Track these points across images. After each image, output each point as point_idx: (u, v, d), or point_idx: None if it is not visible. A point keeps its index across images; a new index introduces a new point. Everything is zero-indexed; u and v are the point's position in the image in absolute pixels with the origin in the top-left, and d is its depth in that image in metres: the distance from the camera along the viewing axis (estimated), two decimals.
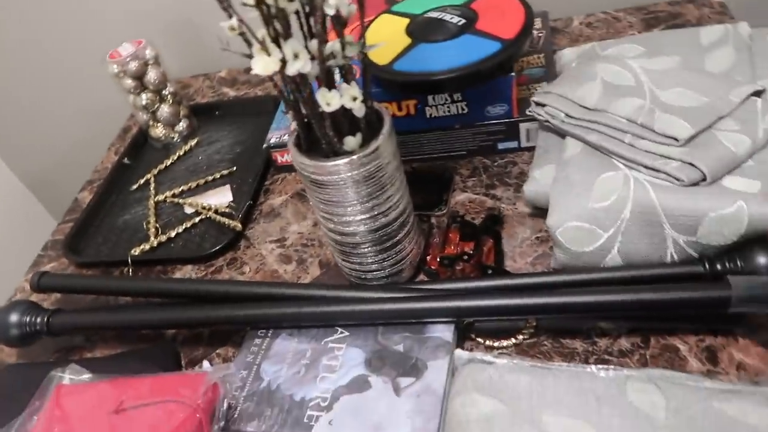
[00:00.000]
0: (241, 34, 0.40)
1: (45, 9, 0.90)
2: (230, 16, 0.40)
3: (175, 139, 0.78)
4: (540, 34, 0.69)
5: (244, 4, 0.37)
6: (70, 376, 0.49)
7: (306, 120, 0.45)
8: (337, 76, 0.43)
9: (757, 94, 0.52)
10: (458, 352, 0.45)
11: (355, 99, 0.41)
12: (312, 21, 0.40)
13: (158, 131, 0.77)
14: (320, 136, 0.43)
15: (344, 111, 0.42)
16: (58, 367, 0.49)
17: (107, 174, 0.75)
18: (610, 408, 0.37)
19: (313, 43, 0.39)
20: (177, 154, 0.76)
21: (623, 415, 0.37)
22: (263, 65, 0.37)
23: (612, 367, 0.41)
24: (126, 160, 0.77)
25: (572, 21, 0.78)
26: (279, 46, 0.38)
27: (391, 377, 0.44)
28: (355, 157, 0.43)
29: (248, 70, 0.88)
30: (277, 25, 0.38)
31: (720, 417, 0.35)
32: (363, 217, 0.47)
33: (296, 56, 0.37)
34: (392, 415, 0.42)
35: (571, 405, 0.38)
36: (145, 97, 0.74)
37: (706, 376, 0.41)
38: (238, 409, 0.45)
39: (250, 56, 0.40)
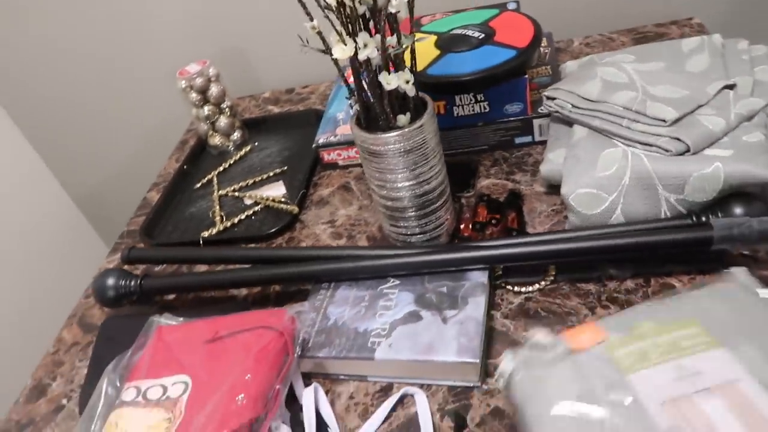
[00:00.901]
0: (319, 33, 0.52)
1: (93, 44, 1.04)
2: (311, 19, 0.51)
3: (230, 147, 0.89)
4: (546, 50, 0.81)
5: (327, 7, 0.49)
6: (166, 321, 0.58)
7: (365, 103, 0.56)
8: None
9: (729, 87, 0.63)
10: None
11: (407, 82, 0.52)
12: (371, 23, 0.52)
13: (216, 140, 0.88)
14: (379, 113, 0.54)
15: (397, 94, 0.54)
16: (155, 315, 0.59)
17: (171, 177, 0.86)
18: None
19: (376, 37, 0.50)
20: (233, 158, 0.87)
21: None
22: (341, 51, 0.48)
23: None
24: (185, 167, 0.88)
25: (573, 42, 0.91)
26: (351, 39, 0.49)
27: (438, 310, 0.54)
28: (406, 130, 0.54)
29: (289, 90, 1.01)
30: (349, 24, 0.50)
31: None
32: (410, 183, 0.57)
33: (365, 45, 0.49)
34: (441, 337, 0.51)
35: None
36: (207, 109, 0.86)
37: None
38: (310, 341, 0.54)
39: (324, 51, 0.52)
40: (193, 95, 0.84)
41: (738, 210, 0.54)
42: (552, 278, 0.58)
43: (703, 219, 0.55)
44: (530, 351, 0.45)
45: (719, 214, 0.54)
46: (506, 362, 0.45)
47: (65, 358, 0.66)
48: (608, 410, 0.40)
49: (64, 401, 0.62)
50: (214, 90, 0.85)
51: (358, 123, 0.57)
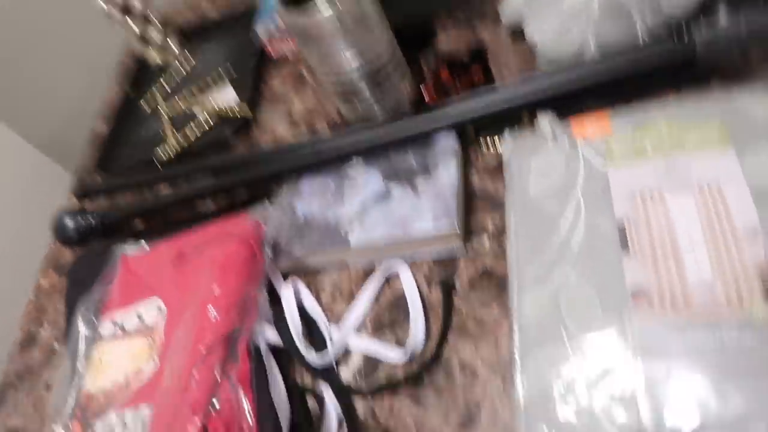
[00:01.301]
0: None
1: None
2: None
3: (169, 60, 0.82)
4: None
5: None
6: (129, 249, 0.55)
7: None
8: None
9: None
10: None
11: None
12: None
13: (153, 55, 0.81)
14: None
15: None
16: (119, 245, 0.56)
17: (117, 104, 0.80)
18: None
19: None
20: (175, 71, 0.80)
21: None
22: None
23: None
24: (127, 91, 0.82)
25: None
26: None
27: (409, 182, 0.50)
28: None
29: None
30: None
31: None
32: (358, 62, 0.51)
33: None
34: (416, 209, 0.48)
35: None
36: (133, 24, 0.78)
37: None
38: (283, 241, 0.51)
39: None
40: (117, 14, 0.76)
41: (723, 17, 0.48)
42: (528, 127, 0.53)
43: (686, 37, 0.49)
44: (532, 136, 0.47)
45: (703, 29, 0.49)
46: (505, 145, 0.47)
47: (47, 304, 0.64)
48: (579, 196, 0.42)
49: (56, 345, 0.60)
50: (136, 3, 0.77)
51: (284, 3, 0.50)
